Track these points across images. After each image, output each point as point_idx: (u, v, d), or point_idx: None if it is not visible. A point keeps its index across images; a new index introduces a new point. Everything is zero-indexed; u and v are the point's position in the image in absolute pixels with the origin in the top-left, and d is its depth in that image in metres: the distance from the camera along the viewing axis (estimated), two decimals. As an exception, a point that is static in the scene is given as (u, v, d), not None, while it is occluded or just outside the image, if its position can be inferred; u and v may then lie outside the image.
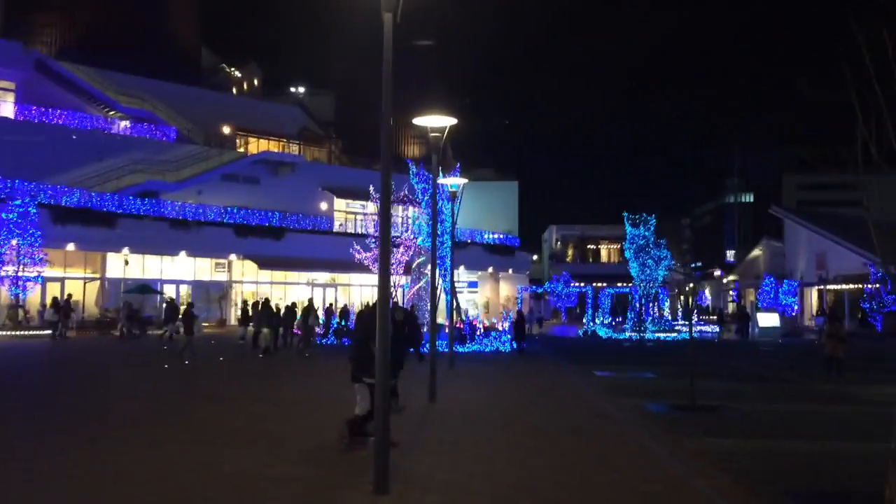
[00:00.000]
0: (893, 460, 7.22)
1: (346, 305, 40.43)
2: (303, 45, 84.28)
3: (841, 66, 6.85)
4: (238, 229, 46.66)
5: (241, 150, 54.62)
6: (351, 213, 55.76)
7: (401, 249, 32.54)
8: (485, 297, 62.38)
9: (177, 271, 45.84)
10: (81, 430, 11.73)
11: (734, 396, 16.46)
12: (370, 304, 15.69)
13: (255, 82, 72.09)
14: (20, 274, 36.03)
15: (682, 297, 61.07)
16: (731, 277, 78.00)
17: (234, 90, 67.76)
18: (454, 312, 27.02)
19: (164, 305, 34.88)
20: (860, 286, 46.87)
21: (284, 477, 8.83)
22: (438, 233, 25.60)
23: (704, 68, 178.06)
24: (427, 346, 19.36)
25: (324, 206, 55.06)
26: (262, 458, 9.83)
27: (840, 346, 21.11)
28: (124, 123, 48.88)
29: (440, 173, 25.45)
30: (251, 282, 48.73)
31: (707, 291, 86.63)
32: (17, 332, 34.41)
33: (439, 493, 8.23)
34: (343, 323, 34.00)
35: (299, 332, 28.98)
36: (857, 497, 8.29)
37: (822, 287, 53.93)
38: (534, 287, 64.68)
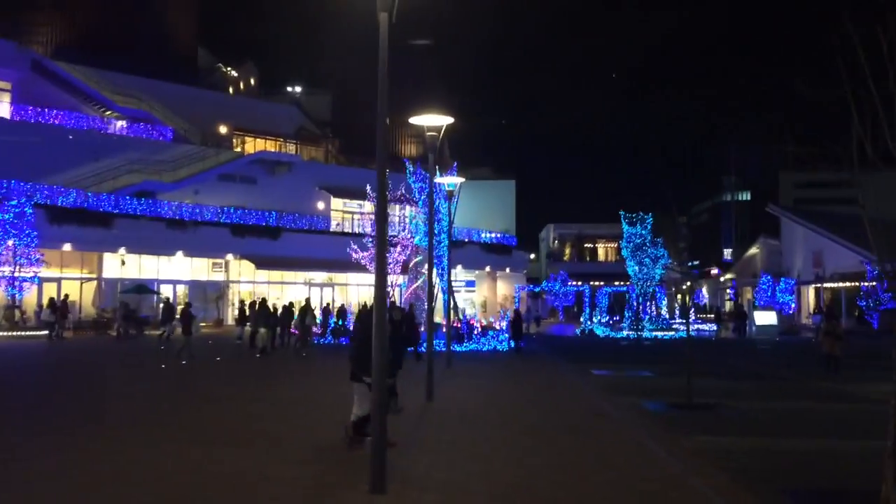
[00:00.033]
0: (889, 457, 7.23)
1: (343, 305, 40.37)
2: (299, 44, 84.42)
3: (837, 66, 6.86)
4: (235, 229, 46.62)
5: (238, 149, 54.60)
6: (348, 213, 55.73)
7: (398, 249, 32.53)
8: (482, 296, 62.39)
9: (174, 271, 45.78)
10: (78, 431, 11.72)
11: (731, 395, 16.48)
12: (367, 304, 15.70)
13: (252, 82, 72.07)
14: (16, 274, 35.96)
15: (679, 296, 61.04)
16: (729, 276, 78.09)
17: (231, 90, 67.73)
18: (451, 312, 27.03)
19: (161, 305, 34.88)
20: (857, 284, 46.95)
21: (281, 476, 8.83)
22: (435, 232, 25.61)
23: (701, 68, 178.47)
24: (425, 345, 19.37)
25: (321, 205, 55.05)
26: (259, 457, 9.82)
27: (837, 344, 21.14)
28: (121, 123, 48.82)
29: (437, 172, 25.47)
30: (248, 281, 48.70)
31: (704, 290, 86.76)
32: (14, 333, 34.36)
33: (437, 492, 8.23)
34: (340, 322, 33.99)
35: (296, 332, 28.97)
36: (854, 494, 8.30)
37: (818, 285, 54.03)
38: (531, 286, 64.74)
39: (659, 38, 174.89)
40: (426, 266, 20.59)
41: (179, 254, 44.86)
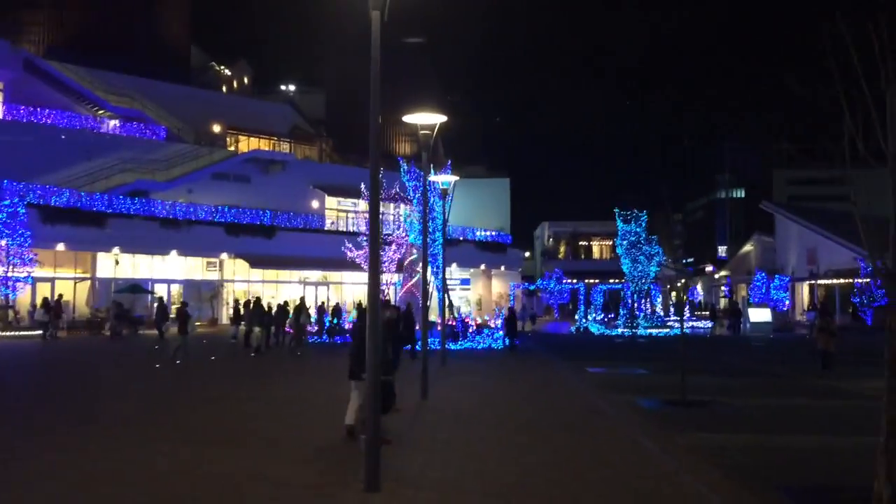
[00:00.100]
0: (882, 454, 7.25)
1: (337, 304, 40.38)
2: (293, 43, 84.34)
3: (828, 64, 6.87)
4: (229, 228, 46.55)
5: (232, 148, 54.53)
6: (342, 212, 55.68)
7: (392, 247, 32.52)
8: (477, 294, 62.43)
9: (168, 271, 45.71)
10: (72, 431, 11.69)
11: (726, 391, 16.52)
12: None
13: (245, 80, 71.97)
14: (10, 274, 35.87)
15: (673, 293, 61.20)
16: (723, 273, 78.28)
17: (224, 88, 67.62)
18: (447, 310, 27.03)
19: (156, 305, 34.84)
20: (851, 281, 47.11)
21: (276, 475, 8.82)
22: (430, 230, 25.59)
23: (696, 67, 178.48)
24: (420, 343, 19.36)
25: (315, 204, 55.00)
26: (253, 457, 9.81)
27: (831, 341, 21.20)
28: (113, 122, 48.70)
29: (431, 171, 25.46)
30: (243, 280, 48.64)
31: (699, 287, 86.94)
32: (7, 333, 34.27)
33: (431, 490, 8.23)
34: (335, 321, 33.97)
35: (291, 331, 28.96)
36: (848, 490, 8.31)
37: (813, 282, 54.20)
38: (526, 284, 64.83)
39: (654, 37, 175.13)
40: (421, 264, 20.58)
41: (173, 253, 44.78)
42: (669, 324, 46.96)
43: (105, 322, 36.45)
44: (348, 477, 8.53)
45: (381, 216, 9.99)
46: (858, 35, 6.69)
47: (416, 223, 30.73)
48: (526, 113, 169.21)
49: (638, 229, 44.21)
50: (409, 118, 14.56)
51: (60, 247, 40.06)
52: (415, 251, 31.97)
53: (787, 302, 54.47)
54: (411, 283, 32.99)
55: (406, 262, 33.51)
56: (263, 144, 56.35)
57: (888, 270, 6.99)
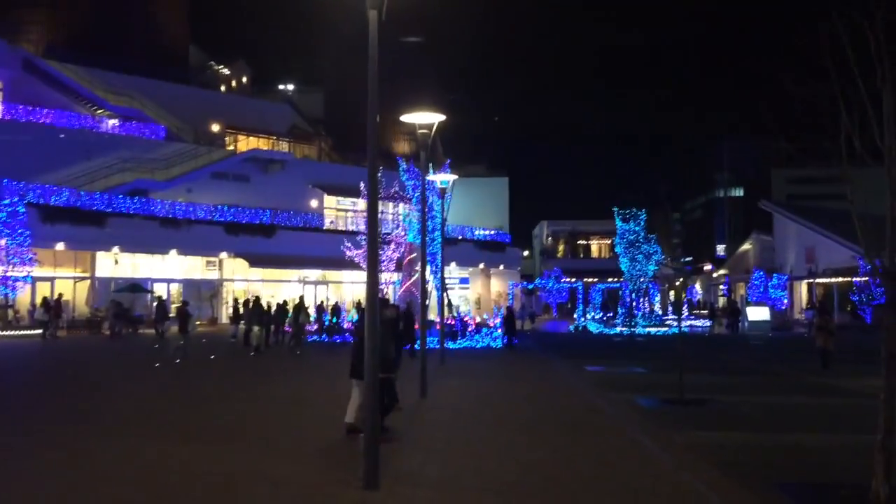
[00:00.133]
0: (879, 451, 7.28)
1: (337, 303, 40.40)
2: (291, 42, 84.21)
3: (825, 63, 6.90)
4: (228, 227, 46.52)
5: (231, 147, 54.50)
6: (342, 211, 55.65)
7: (391, 246, 32.53)
8: (476, 293, 62.44)
9: (167, 270, 45.70)
10: (72, 429, 11.70)
11: (724, 390, 16.55)
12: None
13: (244, 80, 71.97)
14: (9, 274, 35.86)
15: (672, 292, 61.25)
16: (722, 272, 78.29)
17: (223, 88, 67.62)
18: (445, 309, 27.04)
19: (155, 304, 34.84)
20: (849, 279, 47.12)
21: (276, 473, 8.84)
22: (429, 229, 25.61)
23: (695, 65, 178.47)
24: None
25: (314, 203, 54.98)
26: (252, 454, 9.83)
27: (829, 339, 21.24)
28: (112, 122, 48.66)
29: (430, 170, 25.48)
30: (242, 280, 48.63)
31: (697, 286, 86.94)
32: (7, 332, 34.26)
33: (430, 488, 8.26)
34: (335, 320, 33.98)
35: (290, 330, 28.96)
36: (846, 488, 8.34)
37: (811, 280, 54.21)
38: (525, 283, 64.80)
39: (653, 37, 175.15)
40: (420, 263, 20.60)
41: (173, 252, 44.76)
42: (668, 322, 46.96)
43: (104, 321, 36.45)
44: (348, 475, 8.55)
45: (379, 215, 10.00)
46: (855, 34, 6.72)
47: (415, 222, 30.74)
48: (525, 112, 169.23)
49: (637, 228, 44.21)
50: (407, 117, 14.57)
51: (60, 246, 40.04)
52: (414, 250, 31.98)
53: (786, 301, 54.49)
54: (410, 282, 33.01)
55: (405, 261, 33.52)
56: (262, 144, 56.33)
57: (886, 269, 7.02)
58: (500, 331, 31.22)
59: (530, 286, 64.19)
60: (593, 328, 44.87)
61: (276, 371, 21.01)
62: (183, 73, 60.23)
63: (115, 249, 42.13)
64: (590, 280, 56.44)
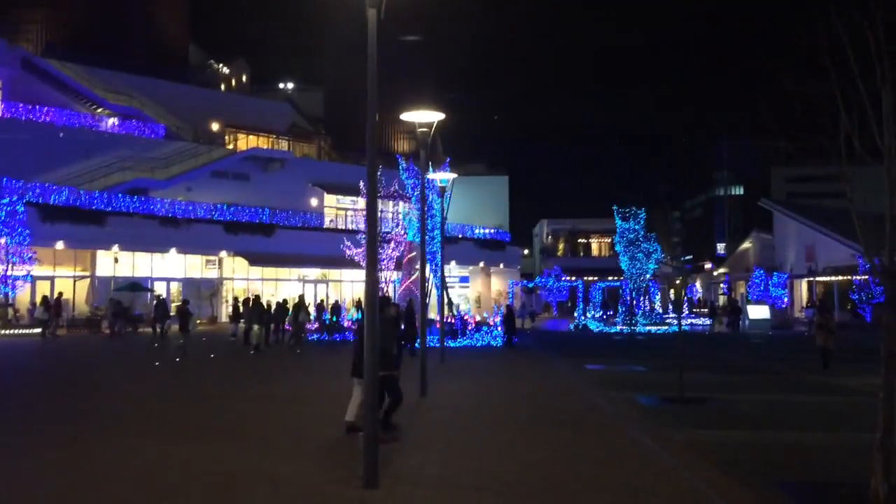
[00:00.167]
0: (878, 450, 7.28)
1: (336, 301, 40.39)
2: (291, 41, 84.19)
3: (825, 62, 6.90)
4: (228, 226, 46.52)
5: (231, 146, 54.50)
6: (341, 209, 55.66)
7: (391, 245, 32.52)
8: (476, 291, 62.48)
9: (167, 268, 45.70)
10: (72, 428, 11.69)
11: (724, 388, 16.55)
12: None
13: (244, 78, 71.98)
14: (9, 273, 35.86)
15: (672, 291, 61.25)
16: (722, 270, 78.32)
17: (223, 86, 67.61)
18: (445, 307, 27.04)
19: (155, 303, 34.86)
20: (849, 277, 47.13)
21: (275, 472, 8.84)
22: (429, 228, 25.61)
23: (695, 64, 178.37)
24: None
25: (314, 202, 54.98)
26: (252, 453, 9.82)
27: (830, 338, 21.23)
28: (112, 121, 48.65)
29: (430, 168, 25.47)
30: (242, 278, 48.63)
31: (698, 284, 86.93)
32: (7, 331, 34.26)
33: (429, 487, 8.25)
34: (334, 319, 33.99)
35: (290, 329, 28.96)
36: (846, 487, 8.34)
37: (811, 279, 54.22)
38: (525, 281, 64.86)
39: (652, 36, 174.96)
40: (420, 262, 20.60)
41: (173, 251, 44.76)
42: (668, 321, 46.98)
43: (104, 320, 36.45)
44: (348, 474, 8.55)
45: (379, 214, 10.01)
46: (855, 34, 6.71)
47: (415, 221, 30.73)
48: (525, 111, 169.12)
49: (636, 227, 44.19)
50: (407, 115, 14.54)
51: (60, 245, 40.04)
52: (414, 249, 31.98)
53: (786, 299, 54.50)
54: (410, 280, 33.01)
55: (405, 260, 33.52)
56: (262, 142, 56.34)
57: (885, 267, 7.02)
58: (500, 329, 31.23)
59: (530, 285, 64.24)
60: (593, 327, 44.87)
61: (276, 370, 21.01)
62: (182, 71, 60.25)
63: (115, 248, 42.12)
64: (590, 279, 56.53)
